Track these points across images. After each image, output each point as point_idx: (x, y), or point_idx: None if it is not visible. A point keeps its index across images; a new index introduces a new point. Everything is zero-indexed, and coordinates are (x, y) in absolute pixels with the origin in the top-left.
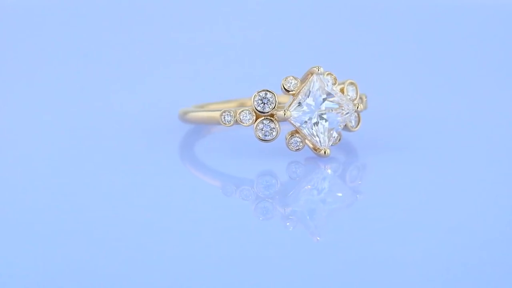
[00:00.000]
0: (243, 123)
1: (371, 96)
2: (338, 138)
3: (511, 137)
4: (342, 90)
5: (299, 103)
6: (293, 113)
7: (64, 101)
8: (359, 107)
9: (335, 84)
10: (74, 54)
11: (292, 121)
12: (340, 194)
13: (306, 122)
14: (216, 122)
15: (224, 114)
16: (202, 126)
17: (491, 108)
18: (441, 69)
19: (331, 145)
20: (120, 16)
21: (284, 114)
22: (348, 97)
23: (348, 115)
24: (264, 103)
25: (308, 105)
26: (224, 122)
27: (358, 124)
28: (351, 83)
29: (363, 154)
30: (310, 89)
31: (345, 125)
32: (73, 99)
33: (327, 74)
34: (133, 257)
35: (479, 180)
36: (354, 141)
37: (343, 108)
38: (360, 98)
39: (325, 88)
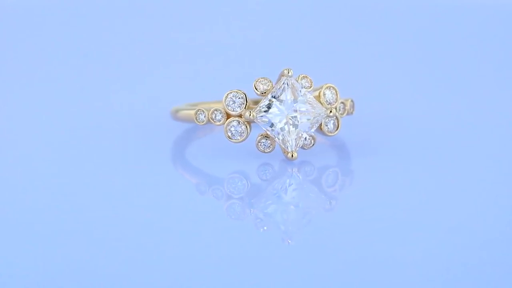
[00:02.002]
0: (215, 122)
1: (367, 100)
2: (312, 142)
3: (501, 139)
4: (319, 94)
5: (268, 105)
6: (261, 114)
7: (58, 100)
8: (332, 111)
9: (310, 87)
10: (69, 53)
11: (259, 123)
12: (311, 198)
13: (275, 124)
14: (192, 120)
15: (198, 112)
16: (203, 126)
17: (482, 111)
18: (433, 72)
19: (305, 149)
20: (117, 15)
21: (250, 115)
22: (325, 101)
23: (319, 119)
24: (235, 104)
25: (277, 107)
26: (198, 120)
27: (337, 128)
28: (329, 87)
29: (345, 158)
30: (280, 92)
31: (321, 129)
32: (68, 98)
33: (302, 77)
34: (113, 256)
35: (467, 186)
36: (339, 145)
37: (313, 112)
38: (343, 103)
39: (296, 91)
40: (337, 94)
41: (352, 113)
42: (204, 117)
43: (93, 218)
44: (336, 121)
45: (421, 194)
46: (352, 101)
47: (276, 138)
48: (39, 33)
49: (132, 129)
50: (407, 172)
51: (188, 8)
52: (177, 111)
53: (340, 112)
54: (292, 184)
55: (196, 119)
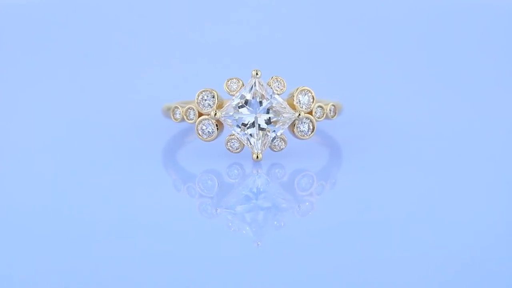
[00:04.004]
0: (188, 120)
1: (356, 102)
2: (283, 145)
3: (491, 138)
4: (292, 97)
5: (236, 105)
6: (228, 114)
7: (51, 99)
8: (300, 114)
9: (283, 89)
10: (62, 53)
11: (226, 123)
12: (279, 200)
13: (242, 125)
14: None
15: (175, 110)
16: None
17: (471, 111)
18: (424, 73)
19: (275, 151)
20: (110, 15)
21: (215, 114)
22: (299, 104)
23: (287, 121)
24: (206, 102)
25: (244, 108)
26: (175, 118)
27: (312, 132)
28: (304, 90)
29: (321, 161)
30: (247, 93)
31: (293, 132)
32: (60, 97)
33: (275, 79)
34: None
35: (452, 189)
36: (319, 147)
37: (280, 114)
38: (321, 106)
39: (265, 93)
40: (313, 98)
41: (332, 117)
42: (179, 115)
43: (74, 214)
44: (311, 124)
45: (396, 197)
46: (333, 105)
47: (242, 139)
48: (29, 32)
49: (128, 127)
50: (389, 175)
51: (187, 6)
52: (167, 108)
53: (317, 116)
54: (263, 185)
55: (173, 116)
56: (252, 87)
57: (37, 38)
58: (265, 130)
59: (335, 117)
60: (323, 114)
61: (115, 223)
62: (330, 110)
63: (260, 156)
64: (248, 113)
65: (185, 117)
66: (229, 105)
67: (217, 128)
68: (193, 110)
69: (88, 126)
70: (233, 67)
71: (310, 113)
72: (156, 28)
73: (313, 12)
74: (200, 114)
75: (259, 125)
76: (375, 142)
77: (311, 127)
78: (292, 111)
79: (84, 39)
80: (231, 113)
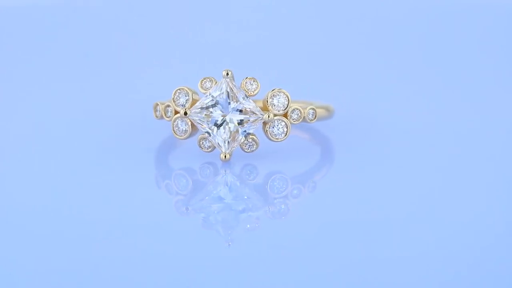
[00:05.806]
0: (166, 118)
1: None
2: (254, 146)
3: (481, 138)
4: (267, 98)
5: (206, 105)
6: (195, 113)
7: (48, 99)
8: (269, 116)
9: (256, 90)
10: (60, 52)
11: (195, 122)
12: (251, 200)
13: (213, 124)
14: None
15: (156, 107)
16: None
17: (464, 112)
18: (417, 74)
19: (246, 152)
20: (108, 13)
21: (185, 113)
22: (271, 105)
23: (256, 122)
24: (181, 101)
25: (214, 108)
26: (156, 115)
27: (286, 135)
28: (279, 92)
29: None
30: (217, 93)
31: (267, 133)
32: (60, 96)
33: (248, 80)
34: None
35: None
36: (301, 149)
37: (249, 115)
38: (298, 109)
39: (235, 93)
40: (288, 100)
41: (311, 121)
42: (159, 112)
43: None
44: (285, 127)
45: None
46: (313, 109)
47: (211, 139)
48: (28, 32)
49: (126, 126)
50: (382, 175)
51: (186, 6)
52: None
53: (293, 119)
54: (235, 185)
55: (155, 113)
56: (222, 87)
57: (36, 38)
58: (233, 130)
59: (314, 121)
60: (300, 117)
61: (97, 219)
62: (308, 113)
63: (228, 156)
64: (219, 112)
65: (163, 114)
66: (198, 104)
67: (192, 127)
68: (170, 108)
69: (84, 125)
70: (233, 66)
71: (286, 115)
72: (155, 28)
73: (312, 12)
74: (176, 112)
75: (227, 125)
76: (370, 142)
77: (285, 130)
78: (262, 112)
79: (83, 39)
80: (201, 113)
